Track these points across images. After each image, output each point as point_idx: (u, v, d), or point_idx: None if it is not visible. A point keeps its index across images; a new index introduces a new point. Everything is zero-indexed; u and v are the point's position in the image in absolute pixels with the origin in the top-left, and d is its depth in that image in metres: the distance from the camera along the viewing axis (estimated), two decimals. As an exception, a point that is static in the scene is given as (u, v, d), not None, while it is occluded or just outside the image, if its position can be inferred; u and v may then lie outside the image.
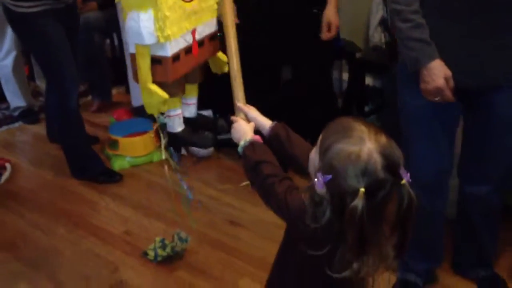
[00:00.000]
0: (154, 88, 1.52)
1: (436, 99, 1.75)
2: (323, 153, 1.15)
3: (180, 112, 1.69)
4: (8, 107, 3.78)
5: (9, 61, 3.53)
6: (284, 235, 1.36)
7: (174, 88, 1.60)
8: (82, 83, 4.07)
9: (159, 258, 2.32)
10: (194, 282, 2.23)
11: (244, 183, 2.85)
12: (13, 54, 3.53)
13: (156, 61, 1.51)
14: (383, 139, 1.12)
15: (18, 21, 2.68)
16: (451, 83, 1.73)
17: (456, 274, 2.19)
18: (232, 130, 1.44)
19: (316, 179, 1.13)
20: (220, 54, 1.74)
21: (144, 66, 1.50)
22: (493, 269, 2.16)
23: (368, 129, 1.13)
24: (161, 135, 1.78)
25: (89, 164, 2.99)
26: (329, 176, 1.11)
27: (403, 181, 1.10)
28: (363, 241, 1.10)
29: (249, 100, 1.54)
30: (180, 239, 2.33)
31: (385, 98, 3.14)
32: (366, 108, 3.46)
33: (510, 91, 1.78)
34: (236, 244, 2.45)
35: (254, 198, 2.76)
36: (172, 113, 1.66)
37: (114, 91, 4.01)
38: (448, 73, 1.73)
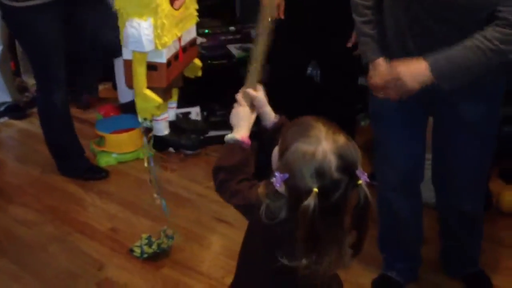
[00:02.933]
0: (150, 93, 1.57)
1: (380, 95, 1.79)
2: (281, 152, 1.16)
3: (167, 116, 1.73)
4: (-7, 103, 3.75)
5: (-5, 56, 3.51)
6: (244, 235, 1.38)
7: (165, 93, 1.64)
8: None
9: (145, 255, 2.32)
10: (180, 279, 2.24)
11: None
12: (-1, 48, 3.50)
13: (151, 67, 1.55)
14: (341, 139, 1.13)
15: (9, 15, 2.61)
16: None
17: (442, 272, 2.20)
18: (233, 112, 1.37)
19: (274, 177, 1.15)
20: (195, 60, 1.78)
21: (141, 72, 1.54)
22: (479, 266, 2.16)
23: (327, 129, 1.14)
24: (144, 139, 1.81)
25: (74, 161, 2.97)
26: (286, 175, 1.13)
27: (360, 181, 1.11)
28: (314, 240, 1.11)
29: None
30: (167, 236, 2.33)
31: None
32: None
33: (472, 97, 1.75)
34: (222, 241, 2.46)
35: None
36: (160, 117, 1.70)
37: (101, 87, 3.99)
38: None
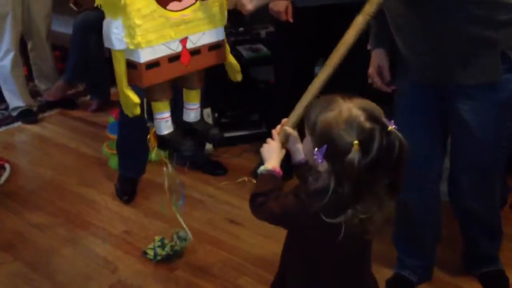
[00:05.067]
0: (127, 91, 1.59)
1: (371, 82, 1.95)
2: (312, 129, 1.24)
3: (167, 116, 1.72)
4: (7, 108, 3.77)
5: (7, 61, 3.52)
6: (286, 237, 1.43)
7: (157, 93, 1.65)
8: (80, 83, 4.09)
9: (158, 258, 2.32)
10: (193, 281, 2.23)
11: (240, 180, 2.85)
12: (11, 54, 3.52)
13: (132, 65, 1.57)
14: (358, 100, 1.23)
15: None
16: (385, 73, 1.91)
17: (458, 272, 2.18)
18: (264, 145, 1.45)
19: (315, 157, 1.21)
20: (234, 63, 1.77)
21: (120, 69, 1.57)
22: (498, 265, 2.13)
23: (344, 98, 1.24)
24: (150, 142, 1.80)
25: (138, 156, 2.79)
26: (325, 146, 1.19)
27: (390, 128, 1.18)
28: (359, 191, 1.19)
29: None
30: (180, 238, 2.33)
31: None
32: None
33: (473, 99, 1.74)
34: (235, 243, 2.45)
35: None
36: (158, 116, 1.72)
37: (112, 90, 4.01)
38: (383, 64, 1.90)
